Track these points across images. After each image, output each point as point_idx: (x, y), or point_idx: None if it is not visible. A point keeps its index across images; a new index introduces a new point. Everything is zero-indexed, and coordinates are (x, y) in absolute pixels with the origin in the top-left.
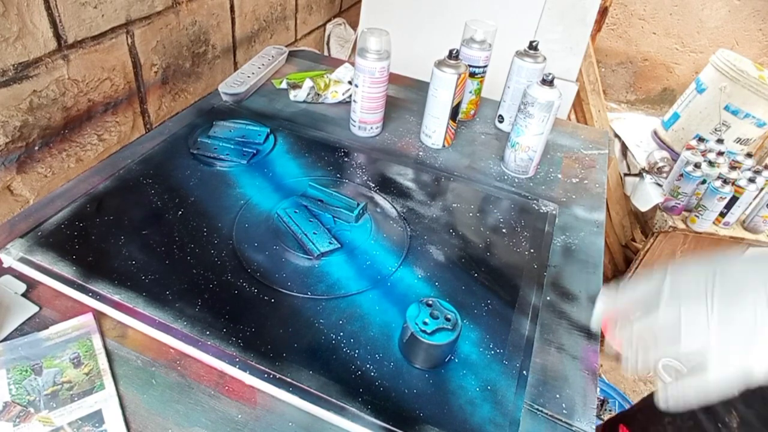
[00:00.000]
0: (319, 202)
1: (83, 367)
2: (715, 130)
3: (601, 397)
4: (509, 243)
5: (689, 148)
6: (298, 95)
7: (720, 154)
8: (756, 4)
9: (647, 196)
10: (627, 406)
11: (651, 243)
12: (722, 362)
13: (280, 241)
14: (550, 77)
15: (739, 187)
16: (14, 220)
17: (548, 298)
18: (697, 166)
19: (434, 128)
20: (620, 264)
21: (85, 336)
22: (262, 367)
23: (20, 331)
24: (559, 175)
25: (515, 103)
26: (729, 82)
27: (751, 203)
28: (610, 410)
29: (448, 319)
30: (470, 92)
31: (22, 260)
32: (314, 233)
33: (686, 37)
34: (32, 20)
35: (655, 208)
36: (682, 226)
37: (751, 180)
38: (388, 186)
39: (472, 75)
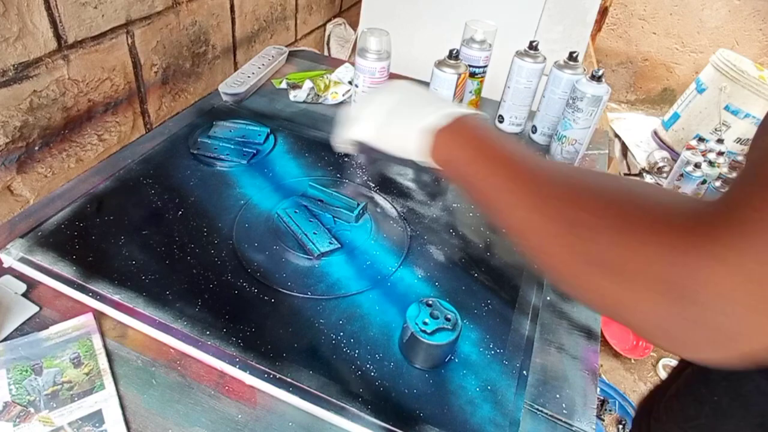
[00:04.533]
0: (319, 202)
1: (83, 367)
2: (715, 130)
3: (601, 397)
4: (509, 243)
5: (689, 148)
6: (298, 96)
7: (720, 154)
8: (756, 4)
9: None
10: (627, 407)
11: None
12: (361, 131)
13: (280, 241)
14: (599, 72)
15: None
16: (14, 220)
17: (548, 298)
18: (697, 166)
19: None
20: None
21: (85, 336)
22: (262, 367)
23: (20, 331)
24: None
25: (515, 103)
26: (729, 82)
27: None
28: (610, 410)
29: (448, 319)
30: (470, 92)
31: (22, 260)
32: (314, 233)
33: (686, 37)
34: (32, 20)
35: None
36: None
37: None
38: (388, 186)
39: (472, 75)
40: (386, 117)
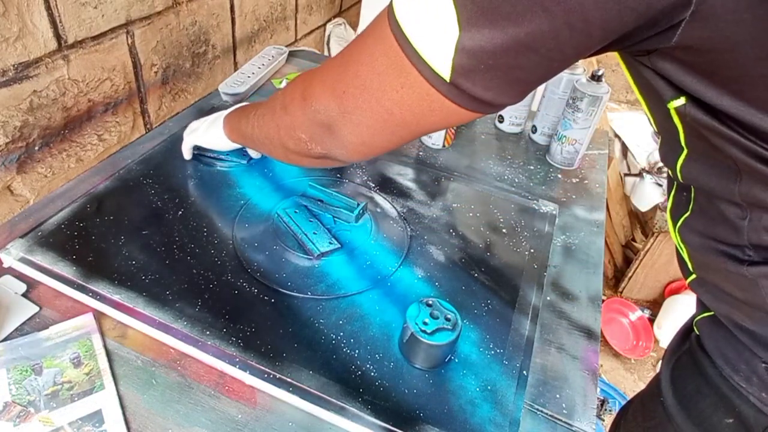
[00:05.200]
0: (319, 202)
1: (83, 367)
2: None
3: (601, 397)
4: (509, 243)
5: None
6: None
7: None
8: None
9: (647, 196)
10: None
11: (651, 243)
12: (192, 137)
13: (280, 241)
14: (600, 72)
15: None
16: (14, 220)
17: (548, 298)
18: None
19: None
20: (620, 264)
21: (85, 336)
22: (262, 367)
23: (20, 331)
24: (559, 175)
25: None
26: None
27: None
28: (610, 410)
29: (448, 319)
30: None
31: (22, 260)
32: (314, 233)
33: None
34: (32, 20)
35: (655, 208)
36: None
37: None
38: (388, 186)
39: None
40: (205, 128)
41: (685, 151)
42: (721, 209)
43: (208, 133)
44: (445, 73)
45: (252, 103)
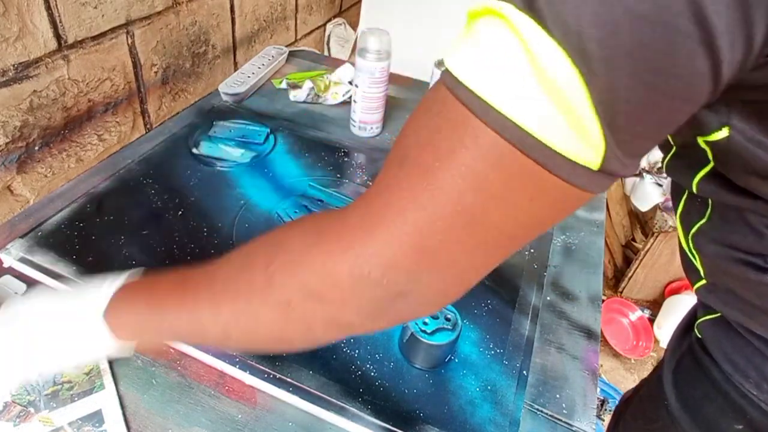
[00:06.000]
0: (319, 202)
1: (83, 367)
2: None
3: (601, 397)
4: None
5: None
6: (298, 96)
7: None
8: None
9: (647, 196)
10: None
11: (651, 243)
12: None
13: None
14: None
15: None
16: (14, 220)
17: (548, 298)
18: None
19: None
20: (620, 264)
21: None
22: (262, 367)
23: None
24: None
25: None
26: None
27: None
28: (610, 410)
29: (448, 319)
30: None
31: (23, 260)
32: None
33: None
34: (32, 20)
35: (655, 208)
36: None
37: None
38: None
39: None
40: (53, 339)
41: (711, 166)
42: (746, 218)
43: (65, 346)
44: (594, 161)
45: (154, 283)
